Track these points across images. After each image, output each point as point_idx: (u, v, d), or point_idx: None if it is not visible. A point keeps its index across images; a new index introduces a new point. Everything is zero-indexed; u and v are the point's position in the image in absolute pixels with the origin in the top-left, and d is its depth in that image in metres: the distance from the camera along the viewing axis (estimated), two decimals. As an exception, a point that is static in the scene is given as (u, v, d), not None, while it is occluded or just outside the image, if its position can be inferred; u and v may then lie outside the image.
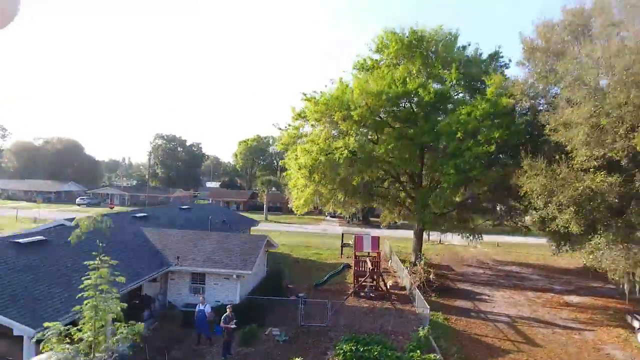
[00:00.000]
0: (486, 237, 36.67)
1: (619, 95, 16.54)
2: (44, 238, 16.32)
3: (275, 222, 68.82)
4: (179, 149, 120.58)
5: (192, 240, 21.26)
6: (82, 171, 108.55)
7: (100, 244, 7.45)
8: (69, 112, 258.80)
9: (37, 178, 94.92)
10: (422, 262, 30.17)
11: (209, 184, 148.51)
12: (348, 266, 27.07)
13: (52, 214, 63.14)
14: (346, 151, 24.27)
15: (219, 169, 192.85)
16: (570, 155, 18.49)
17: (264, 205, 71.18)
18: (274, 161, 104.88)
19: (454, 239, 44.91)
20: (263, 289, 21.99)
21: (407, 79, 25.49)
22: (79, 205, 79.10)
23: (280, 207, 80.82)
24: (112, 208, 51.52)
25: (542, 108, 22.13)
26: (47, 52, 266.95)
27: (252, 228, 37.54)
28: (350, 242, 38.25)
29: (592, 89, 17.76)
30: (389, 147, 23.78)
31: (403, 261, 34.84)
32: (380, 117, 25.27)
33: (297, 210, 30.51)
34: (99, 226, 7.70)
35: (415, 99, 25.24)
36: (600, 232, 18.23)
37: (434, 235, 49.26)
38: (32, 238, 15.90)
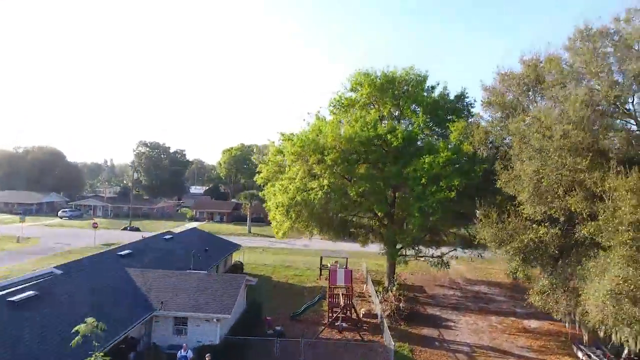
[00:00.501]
0: (460, 252, 38.07)
1: (558, 159, 18.65)
2: (36, 293, 17.60)
3: (259, 235, 70.28)
4: (162, 156, 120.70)
5: (175, 282, 22.68)
6: (64, 180, 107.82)
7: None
8: (49, 116, 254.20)
9: (18, 189, 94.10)
10: (395, 288, 32.17)
11: (193, 190, 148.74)
12: (323, 297, 28.79)
13: (36, 229, 63.37)
14: (320, 192, 25.98)
15: (203, 174, 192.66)
16: (519, 207, 20.55)
17: (247, 218, 72.48)
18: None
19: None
20: (243, 324, 23.60)
21: (378, 124, 27.31)
22: (61, 217, 79.06)
23: (263, 218, 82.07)
24: (95, 227, 52.11)
25: (498, 157, 24.21)
26: (25, 54, 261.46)
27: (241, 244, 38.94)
28: (328, 265, 40.12)
29: (536, 150, 19.84)
30: (360, 189, 25.59)
31: (378, 283, 36.80)
32: (353, 159, 27.06)
33: (277, 236, 32.18)
34: (95, 331, 9.17)
35: (386, 143, 27.04)
36: (544, 277, 20.38)
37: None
38: (25, 294, 17.15)
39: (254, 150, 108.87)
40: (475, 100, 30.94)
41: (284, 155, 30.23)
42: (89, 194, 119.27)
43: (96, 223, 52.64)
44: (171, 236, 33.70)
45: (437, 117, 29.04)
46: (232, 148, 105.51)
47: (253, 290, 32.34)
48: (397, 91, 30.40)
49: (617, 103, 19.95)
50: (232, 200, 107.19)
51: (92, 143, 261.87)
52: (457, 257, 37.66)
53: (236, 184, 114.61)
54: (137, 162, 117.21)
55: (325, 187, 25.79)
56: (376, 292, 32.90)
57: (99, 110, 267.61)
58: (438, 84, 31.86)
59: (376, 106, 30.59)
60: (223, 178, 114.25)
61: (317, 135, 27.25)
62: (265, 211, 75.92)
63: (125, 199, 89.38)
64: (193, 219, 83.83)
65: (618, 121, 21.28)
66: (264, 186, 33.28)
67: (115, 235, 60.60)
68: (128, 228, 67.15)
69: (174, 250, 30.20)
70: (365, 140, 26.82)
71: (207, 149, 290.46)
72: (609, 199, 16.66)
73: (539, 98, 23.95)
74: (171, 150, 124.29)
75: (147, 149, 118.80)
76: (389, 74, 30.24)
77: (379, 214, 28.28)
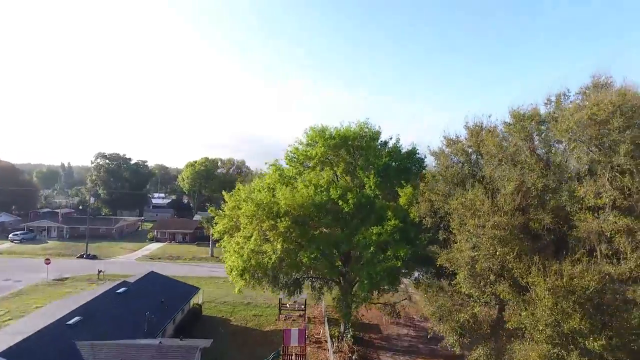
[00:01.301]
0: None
1: (490, 247, 20.09)
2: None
3: (222, 260, 69.78)
4: (123, 167, 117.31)
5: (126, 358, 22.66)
6: (18, 196, 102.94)
7: None
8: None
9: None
10: (349, 336, 33.27)
11: (156, 199, 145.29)
12: (278, 354, 29.41)
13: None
14: (274, 256, 26.55)
15: (167, 180, 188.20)
16: (457, 285, 21.92)
17: (210, 242, 71.81)
18: (225, 187, 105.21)
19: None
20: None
21: (332, 187, 28.15)
22: (12, 241, 75.60)
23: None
24: (47, 263, 50.38)
25: (442, 226, 25.57)
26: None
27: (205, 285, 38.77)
28: (287, 305, 40.77)
29: (472, 235, 21.24)
30: (312, 255, 26.37)
31: (336, 322, 37.85)
32: (306, 224, 27.76)
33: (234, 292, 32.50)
34: None
35: (338, 206, 27.90)
36: (479, 347, 21.88)
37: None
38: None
39: (219, 163, 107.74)
40: (425, 156, 32.30)
41: (240, 209, 30.55)
42: (44, 208, 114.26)
43: (49, 259, 50.88)
44: (125, 288, 33.25)
45: (388, 176, 30.18)
46: (195, 162, 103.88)
47: (212, 333, 32.61)
48: (351, 149, 31.35)
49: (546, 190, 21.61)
50: (196, 215, 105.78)
51: (48, 145, 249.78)
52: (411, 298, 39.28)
53: (200, 196, 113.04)
54: (96, 175, 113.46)
55: (279, 252, 26.37)
56: (332, 337, 33.87)
57: (55, 110, 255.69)
58: (391, 138, 33.12)
59: (330, 165, 31.41)
60: (186, 192, 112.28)
61: (271, 200, 27.75)
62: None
63: (83, 215, 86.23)
64: (154, 239, 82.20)
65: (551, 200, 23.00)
66: (220, 238, 33.44)
67: (70, 266, 58.64)
68: (84, 256, 65.10)
69: (127, 311, 29.90)
70: (319, 204, 27.62)
71: (171, 154, 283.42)
72: (533, 292, 18.20)
73: (480, 169, 25.49)
74: (132, 162, 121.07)
75: (107, 160, 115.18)
76: (343, 132, 31.15)
77: (333, 278, 29.23)
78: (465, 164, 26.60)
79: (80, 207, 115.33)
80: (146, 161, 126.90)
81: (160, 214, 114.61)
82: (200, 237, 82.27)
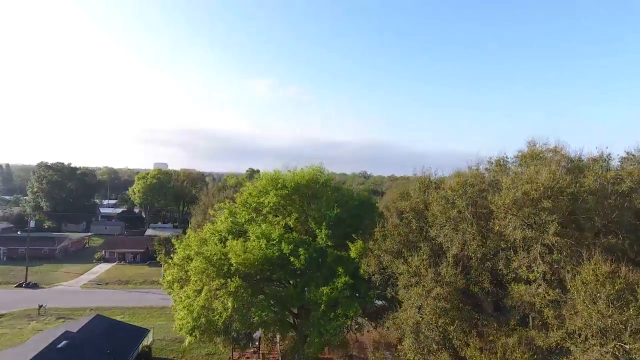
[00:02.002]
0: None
1: (431, 318, 20.99)
2: None
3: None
4: (68, 177, 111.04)
5: None
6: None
7: None
8: None
9: None
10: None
11: (106, 208, 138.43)
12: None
13: None
14: (224, 314, 26.24)
15: (117, 186, 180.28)
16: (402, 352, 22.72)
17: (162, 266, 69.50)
18: (180, 201, 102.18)
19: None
20: None
21: (284, 241, 28.18)
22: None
23: (181, 256, 79.49)
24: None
25: (390, 284, 26.34)
26: None
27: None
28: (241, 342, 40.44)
29: (417, 299, 22.08)
30: (263, 314, 26.33)
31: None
32: (257, 280, 27.64)
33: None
34: None
35: (289, 261, 27.98)
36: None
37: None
38: None
39: (173, 175, 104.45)
40: (377, 201, 33.01)
41: (191, 259, 29.91)
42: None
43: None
44: (67, 341, 31.53)
45: (341, 225, 30.63)
46: (147, 175, 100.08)
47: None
48: (304, 197, 31.55)
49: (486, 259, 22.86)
50: (149, 229, 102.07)
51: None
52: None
53: (153, 208, 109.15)
54: (37, 187, 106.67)
55: (229, 311, 26.09)
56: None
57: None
58: (344, 183, 33.54)
59: (283, 214, 31.42)
60: (138, 205, 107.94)
61: (222, 255, 27.38)
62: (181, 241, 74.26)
63: (24, 227, 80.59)
64: (102, 259, 78.49)
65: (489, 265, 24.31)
66: (170, 287, 32.52)
67: (7, 298, 54.64)
68: (24, 284, 61.01)
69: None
70: (271, 258, 27.60)
71: (120, 153, 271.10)
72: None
73: (429, 227, 26.45)
74: (78, 172, 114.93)
75: (50, 171, 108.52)
76: (296, 180, 31.28)
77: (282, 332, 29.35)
78: (414, 220, 27.52)
79: (20, 222, 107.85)
80: (94, 170, 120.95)
81: (109, 227, 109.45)
82: (152, 256, 79.49)
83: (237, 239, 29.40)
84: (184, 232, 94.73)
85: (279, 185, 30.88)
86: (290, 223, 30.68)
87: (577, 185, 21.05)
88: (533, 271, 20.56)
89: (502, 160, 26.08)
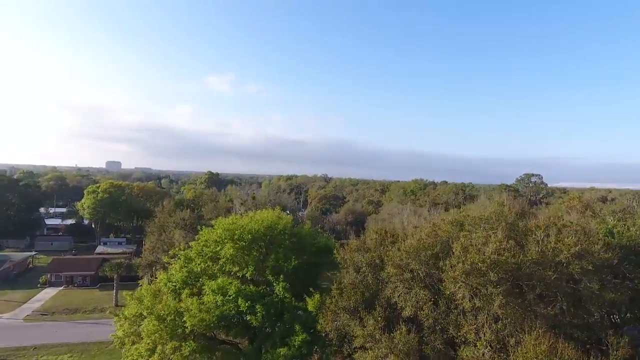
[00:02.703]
0: None
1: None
2: None
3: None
4: (9, 188, 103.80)
5: None
6: None
7: None
8: None
9: None
10: None
11: (52, 219, 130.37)
12: None
13: None
14: (180, 376, 25.60)
15: (64, 195, 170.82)
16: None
17: (114, 288, 66.73)
18: (134, 216, 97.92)
19: None
20: None
21: (239, 297, 27.84)
22: None
23: (136, 276, 75.94)
24: None
25: (347, 341, 26.75)
26: None
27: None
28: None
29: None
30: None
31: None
32: (212, 339, 27.16)
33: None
34: None
35: (247, 318, 27.70)
36: None
37: None
38: None
39: (126, 189, 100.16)
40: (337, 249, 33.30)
41: (143, 317, 28.90)
42: None
43: None
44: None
45: (300, 275, 30.70)
46: (98, 189, 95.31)
47: None
48: (262, 247, 31.35)
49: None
50: (100, 245, 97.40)
51: None
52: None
53: (104, 223, 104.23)
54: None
55: (184, 373, 25.48)
56: None
57: None
58: (295, 226, 33.67)
59: (240, 265, 31.01)
60: (87, 221, 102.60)
61: (176, 315, 26.66)
62: (136, 266, 71.16)
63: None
64: (48, 284, 74.00)
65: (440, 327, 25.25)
66: (121, 344, 31.21)
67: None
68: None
69: None
70: (227, 316, 27.22)
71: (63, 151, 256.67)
72: None
73: (384, 285, 27.04)
74: (21, 183, 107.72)
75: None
76: (254, 228, 31.01)
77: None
78: (370, 275, 28.04)
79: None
80: (39, 180, 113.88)
81: (56, 243, 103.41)
82: (104, 279, 75.97)
83: (192, 295, 28.81)
84: (139, 250, 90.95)
85: (235, 236, 30.45)
86: (247, 275, 30.35)
87: (522, 255, 22.33)
88: (480, 338, 21.63)
89: (456, 221, 27.12)
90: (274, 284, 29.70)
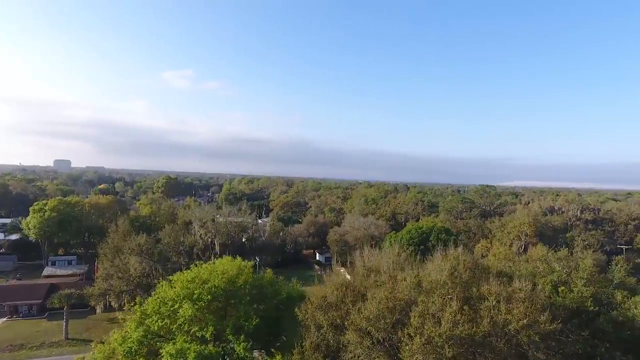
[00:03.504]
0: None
1: None
2: None
3: (79, 341, 61.74)
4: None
5: None
6: None
7: None
8: None
9: None
10: None
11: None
12: None
13: None
14: None
15: (8, 202, 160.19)
16: None
17: (64, 318, 63.18)
18: (85, 233, 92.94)
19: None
20: None
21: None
22: None
23: (88, 304, 72.08)
24: None
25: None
26: None
27: None
28: None
29: None
30: None
31: None
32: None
33: None
34: None
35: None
36: None
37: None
38: None
39: (77, 206, 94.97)
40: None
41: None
42: None
43: None
44: None
45: (260, 334, 30.49)
46: (45, 207, 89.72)
47: None
48: (222, 304, 30.88)
49: None
50: (48, 266, 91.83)
51: None
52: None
53: (52, 242, 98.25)
54: None
55: None
56: None
57: None
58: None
59: (200, 325, 30.36)
60: (33, 241, 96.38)
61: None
62: (88, 295, 67.68)
63: None
64: (-12, 315, 68.90)
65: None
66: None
67: None
68: None
69: None
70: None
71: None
72: None
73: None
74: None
75: None
76: (214, 284, 30.49)
77: None
78: (330, 334, 28.33)
79: None
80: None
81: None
82: (52, 307, 71.73)
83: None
84: (91, 270, 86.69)
85: (195, 296, 29.77)
86: (207, 336, 29.77)
87: (475, 327, 23.37)
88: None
89: (417, 281, 27.83)
90: (235, 344, 29.34)
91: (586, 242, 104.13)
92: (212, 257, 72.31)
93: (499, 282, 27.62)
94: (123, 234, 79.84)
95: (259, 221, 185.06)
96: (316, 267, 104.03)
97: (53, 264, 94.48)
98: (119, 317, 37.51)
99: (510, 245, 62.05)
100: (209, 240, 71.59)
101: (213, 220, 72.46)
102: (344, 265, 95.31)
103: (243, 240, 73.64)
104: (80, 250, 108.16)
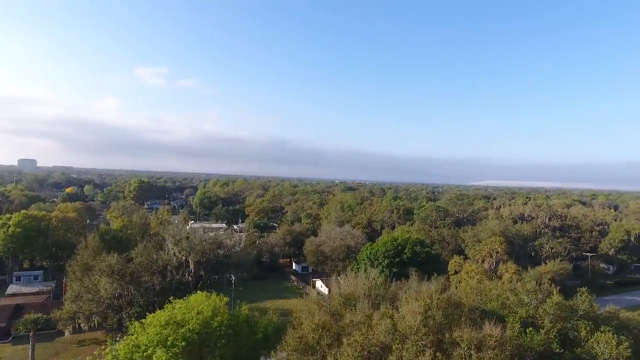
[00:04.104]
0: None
1: None
2: None
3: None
4: None
5: None
6: None
7: None
8: None
9: None
10: None
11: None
12: None
13: None
14: None
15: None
16: None
17: (30, 343, 60.72)
18: (53, 248, 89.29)
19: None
20: None
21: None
22: None
23: (55, 325, 69.39)
24: None
25: None
26: None
27: None
28: None
29: None
30: None
31: None
32: None
33: None
34: None
35: None
36: None
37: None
38: None
39: (44, 221, 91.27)
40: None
41: None
42: None
43: None
44: None
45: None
46: (9, 222, 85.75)
47: None
48: (196, 348, 30.39)
49: None
50: (13, 284, 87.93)
51: None
52: None
53: (17, 259, 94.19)
54: None
55: None
56: None
57: None
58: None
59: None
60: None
61: None
62: (56, 319, 65.19)
63: None
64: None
65: None
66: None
67: None
68: None
69: None
70: None
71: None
72: None
73: None
74: None
75: None
76: (188, 332, 29.97)
77: None
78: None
79: None
80: None
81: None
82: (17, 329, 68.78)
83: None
84: (59, 287, 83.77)
85: (168, 342, 29.18)
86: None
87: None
88: None
89: (392, 325, 28.13)
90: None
91: (554, 250, 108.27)
92: (187, 275, 71.06)
93: (471, 323, 28.31)
94: (93, 251, 77.46)
95: (235, 227, 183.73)
96: (292, 277, 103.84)
97: (18, 279, 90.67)
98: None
99: (482, 262, 63.71)
100: (183, 258, 70.23)
101: (187, 238, 71.07)
102: (320, 278, 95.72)
103: (218, 256, 72.56)
104: (47, 264, 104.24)
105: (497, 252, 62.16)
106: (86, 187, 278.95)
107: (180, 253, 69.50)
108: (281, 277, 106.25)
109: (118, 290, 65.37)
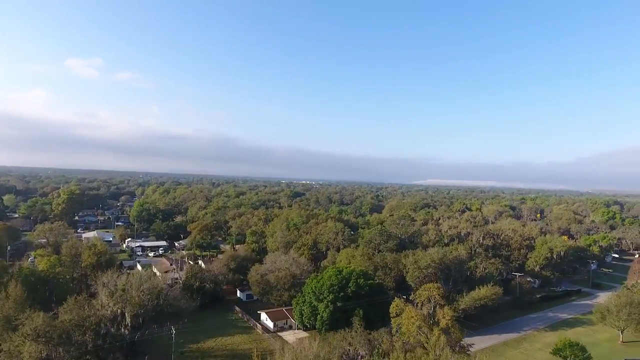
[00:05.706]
0: None
1: None
2: None
3: None
4: None
5: None
6: None
7: None
8: None
9: None
10: None
11: None
12: None
13: None
14: None
15: None
16: None
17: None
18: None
19: None
20: None
21: None
22: None
23: None
24: None
25: None
26: None
27: None
28: None
29: None
30: None
31: None
32: None
33: None
34: None
35: None
36: None
37: None
38: None
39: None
40: None
41: None
42: None
43: None
44: None
45: None
46: None
47: None
48: None
49: None
50: None
51: None
52: None
53: None
54: None
55: None
56: None
57: None
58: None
59: None
60: None
61: None
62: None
63: None
64: None
65: None
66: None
67: None
68: None
69: None
70: None
71: None
72: None
73: None
74: None
75: None
76: None
77: None
78: None
79: None
80: None
81: None
82: None
83: None
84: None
85: None
86: None
87: None
88: None
89: None
90: None
91: (487, 270, 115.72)
92: (123, 329, 66.87)
93: None
94: (15, 302, 70.61)
95: (177, 244, 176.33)
96: (237, 308, 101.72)
97: None
98: None
99: (421, 307, 66.65)
100: (119, 311, 66.11)
101: (123, 290, 66.88)
102: (265, 309, 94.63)
103: (157, 306, 68.86)
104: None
105: (435, 298, 65.25)
106: (6, 197, 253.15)
107: (115, 306, 65.26)
108: (225, 308, 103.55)
109: (45, 353, 60.08)
